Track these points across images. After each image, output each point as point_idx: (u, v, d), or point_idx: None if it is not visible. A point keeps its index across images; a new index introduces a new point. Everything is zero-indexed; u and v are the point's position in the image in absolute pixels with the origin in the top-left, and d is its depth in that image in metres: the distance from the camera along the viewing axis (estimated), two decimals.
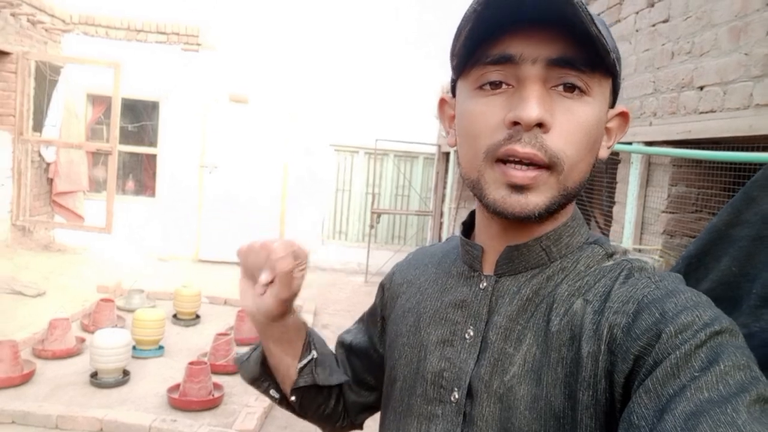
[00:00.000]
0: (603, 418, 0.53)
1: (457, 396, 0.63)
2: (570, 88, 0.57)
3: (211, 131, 7.91)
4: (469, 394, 0.62)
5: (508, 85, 0.58)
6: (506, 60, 0.57)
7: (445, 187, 7.64)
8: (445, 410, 0.63)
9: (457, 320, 0.66)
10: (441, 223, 7.64)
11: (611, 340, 0.54)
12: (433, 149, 8.10)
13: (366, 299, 7.04)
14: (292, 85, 7.94)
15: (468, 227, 0.73)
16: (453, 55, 0.62)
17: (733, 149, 1.86)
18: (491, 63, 0.58)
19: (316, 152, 8.13)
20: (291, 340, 0.79)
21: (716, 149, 1.93)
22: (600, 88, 0.59)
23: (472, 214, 0.72)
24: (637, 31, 2.54)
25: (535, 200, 0.58)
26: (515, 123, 0.56)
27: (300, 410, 0.84)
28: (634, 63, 2.54)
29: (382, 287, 0.84)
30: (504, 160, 0.57)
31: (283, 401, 0.84)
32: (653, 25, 2.37)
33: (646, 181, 2.29)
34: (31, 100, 6.72)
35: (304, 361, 0.79)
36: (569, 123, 0.57)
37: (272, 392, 0.84)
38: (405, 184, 8.42)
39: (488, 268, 0.66)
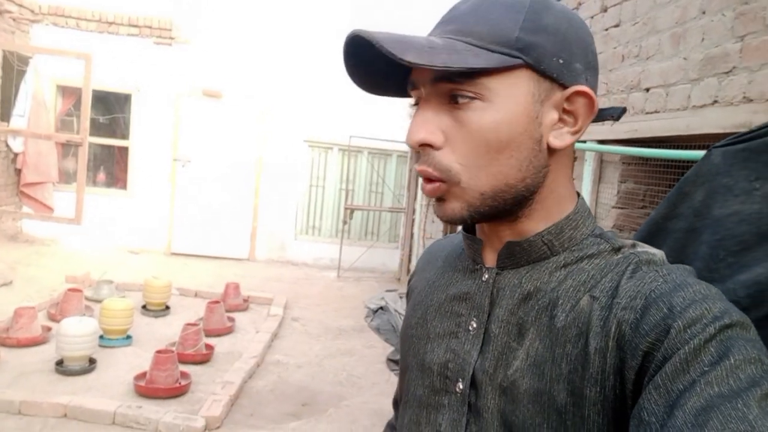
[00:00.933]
0: (611, 414, 0.53)
1: (461, 387, 0.64)
2: (458, 98, 0.59)
3: (184, 125, 7.88)
4: (473, 385, 0.63)
5: None
6: (413, 85, 0.62)
7: (417, 185, 7.75)
8: (451, 400, 0.65)
9: (461, 312, 0.67)
10: (413, 220, 7.76)
11: (620, 337, 0.54)
12: (407, 147, 8.20)
13: (338, 294, 7.12)
14: (265, 80, 7.96)
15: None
16: (372, 92, 0.69)
17: (675, 148, 1.99)
18: (411, 88, 0.64)
19: (289, 147, 8.17)
20: None
21: (661, 148, 2.05)
22: (494, 88, 0.58)
23: None
24: (594, 33, 2.67)
25: (452, 207, 0.61)
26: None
27: None
28: None
29: (408, 290, 0.87)
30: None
31: None
32: (606, 29, 2.50)
33: (599, 178, 2.42)
34: None
35: None
36: (461, 134, 0.59)
37: None
38: (378, 181, 8.51)
39: (490, 261, 0.67)
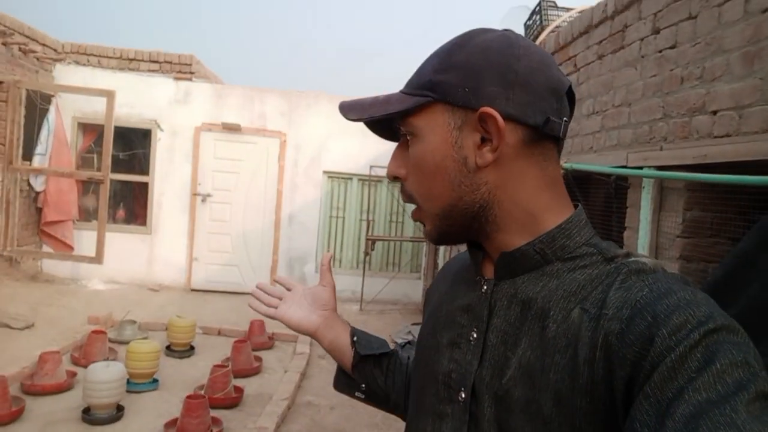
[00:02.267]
0: (602, 425, 0.54)
1: (463, 396, 0.65)
2: (406, 136, 0.70)
3: (203, 159, 7.86)
4: (474, 394, 0.64)
5: None
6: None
7: None
8: (454, 409, 0.66)
9: (463, 323, 0.69)
10: (436, 249, 7.61)
11: (607, 347, 0.54)
12: None
13: (362, 327, 6.91)
14: (283, 112, 7.95)
15: None
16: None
17: (749, 173, 1.85)
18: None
19: (309, 179, 8.10)
20: (341, 339, 0.98)
21: (732, 173, 1.92)
22: (418, 124, 0.67)
23: None
24: (642, 57, 2.56)
25: (428, 229, 0.71)
26: None
27: (372, 401, 1.00)
28: (641, 89, 2.55)
29: (425, 299, 0.92)
30: None
31: (356, 390, 1.00)
32: (660, 51, 2.39)
33: (659, 206, 2.28)
34: (21, 129, 6.64)
35: (350, 342, 0.97)
36: (410, 166, 0.69)
37: (357, 393, 1.00)
38: (399, 211, 8.40)
39: (490, 272, 0.70)
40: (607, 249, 0.64)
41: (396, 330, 6.52)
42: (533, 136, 0.64)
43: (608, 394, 0.53)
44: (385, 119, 0.71)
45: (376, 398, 1.00)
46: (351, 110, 0.72)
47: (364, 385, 0.97)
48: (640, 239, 2.31)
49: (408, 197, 0.71)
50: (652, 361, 0.49)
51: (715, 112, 2.00)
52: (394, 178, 0.72)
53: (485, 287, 0.68)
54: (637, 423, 0.48)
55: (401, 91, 0.71)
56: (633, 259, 0.61)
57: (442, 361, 0.70)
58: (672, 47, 2.29)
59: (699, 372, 0.46)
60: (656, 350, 0.49)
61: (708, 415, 0.43)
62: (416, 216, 0.72)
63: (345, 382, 1.01)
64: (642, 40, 2.53)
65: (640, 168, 2.37)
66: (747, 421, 0.43)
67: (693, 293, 0.53)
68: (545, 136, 0.65)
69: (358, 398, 1.00)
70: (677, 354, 0.48)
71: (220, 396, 4.06)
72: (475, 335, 0.66)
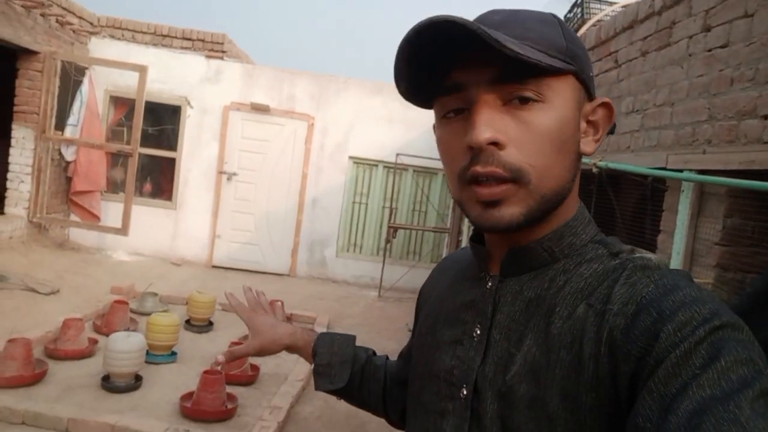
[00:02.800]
0: (607, 420, 0.53)
1: (465, 392, 0.64)
2: (523, 99, 0.59)
3: (231, 138, 7.89)
4: (476, 391, 0.63)
5: (467, 109, 0.61)
6: (457, 88, 0.61)
7: None
8: (455, 406, 0.65)
9: (466, 320, 0.68)
10: (459, 241, 7.55)
11: (612, 343, 0.53)
12: None
13: (380, 315, 6.94)
14: (313, 95, 7.93)
15: (480, 233, 0.75)
16: (408, 99, 0.68)
17: None
18: (446, 94, 0.63)
19: (335, 164, 8.09)
20: (307, 357, 0.99)
21: (759, 180, 1.84)
22: (555, 91, 0.60)
23: None
24: (690, 55, 2.46)
25: (510, 212, 0.60)
26: (471, 147, 0.60)
27: (348, 402, 1.01)
28: (686, 88, 2.46)
29: (418, 295, 0.89)
30: (474, 181, 0.61)
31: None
32: (709, 50, 2.30)
33: (698, 211, 2.21)
34: (55, 99, 6.74)
35: (313, 371, 0.97)
36: (526, 134, 0.59)
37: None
38: (423, 200, 8.35)
39: (495, 269, 0.68)
40: (612, 245, 0.64)
41: (413, 318, 6.51)
42: None
43: (613, 389, 0.53)
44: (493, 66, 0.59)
45: (353, 403, 1.01)
46: (505, 39, 0.55)
47: (338, 396, 0.99)
48: (676, 244, 2.24)
49: (510, 169, 0.59)
50: (657, 357, 0.49)
51: (766, 117, 1.92)
52: (490, 143, 0.59)
53: (490, 284, 0.67)
54: (639, 417, 0.47)
55: (528, 45, 0.58)
56: (638, 255, 0.61)
57: (443, 358, 0.69)
58: (723, 46, 2.20)
59: (703, 368, 0.46)
60: (661, 346, 0.49)
61: (712, 411, 0.43)
62: (504, 194, 0.60)
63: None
64: (690, 38, 2.44)
65: (680, 171, 2.29)
66: (751, 418, 0.42)
67: (698, 290, 0.53)
68: None
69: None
70: (682, 350, 0.48)
71: (237, 373, 4.10)
72: (478, 332, 0.66)
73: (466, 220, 7.19)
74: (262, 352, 0.98)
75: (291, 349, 0.99)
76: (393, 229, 7.67)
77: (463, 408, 0.65)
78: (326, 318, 6.07)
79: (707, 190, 2.19)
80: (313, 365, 0.97)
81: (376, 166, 8.26)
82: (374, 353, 1.04)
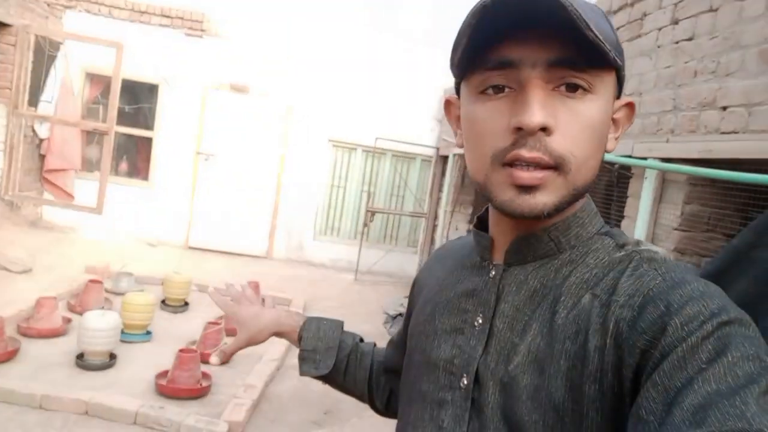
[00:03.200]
0: (610, 412, 0.53)
1: (465, 382, 0.64)
2: (572, 87, 0.57)
3: (209, 118, 7.83)
4: (477, 381, 0.63)
5: (510, 88, 0.59)
6: (507, 65, 0.57)
7: (441, 190, 7.65)
8: (455, 396, 0.65)
9: (467, 309, 0.67)
10: (435, 226, 7.64)
11: (617, 334, 0.53)
12: (431, 152, 8.09)
13: (356, 297, 7.01)
14: (293, 77, 7.89)
15: (483, 220, 0.74)
16: (453, 65, 0.63)
17: (752, 171, 1.87)
18: (492, 68, 0.59)
19: (313, 146, 8.09)
20: (294, 342, 1.01)
21: (732, 170, 1.93)
22: (603, 84, 0.59)
23: (488, 208, 0.73)
24: (658, 47, 2.54)
25: (544, 200, 0.59)
26: (519, 129, 0.57)
27: (331, 386, 1.03)
28: (653, 79, 2.55)
29: (413, 284, 0.88)
30: (510, 164, 0.59)
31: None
32: (676, 43, 2.38)
33: (660, 198, 2.30)
34: (29, 75, 6.59)
35: (299, 357, 0.99)
36: (573, 124, 0.58)
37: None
38: (401, 185, 8.41)
39: (498, 257, 0.68)
40: (618, 236, 0.64)
41: (388, 301, 6.60)
42: None
43: (616, 381, 0.53)
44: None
45: (338, 388, 1.02)
46: (589, 21, 0.53)
47: (323, 381, 1.01)
48: (638, 229, 2.33)
49: (553, 156, 0.58)
50: (663, 350, 0.49)
51: (725, 108, 2.00)
52: (541, 129, 0.57)
53: (493, 272, 0.67)
54: (643, 410, 0.47)
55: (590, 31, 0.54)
56: (644, 247, 0.61)
57: (442, 347, 0.68)
58: (689, 39, 2.28)
59: (710, 363, 0.46)
60: (668, 339, 0.49)
61: (717, 406, 0.43)
62: (544, 180, 0.58)
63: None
64: (660, 29, 2.51)
65: (645, 159, 2.38)
66: (756, 414, 0.42)
67: (706, 284, 0.53)
68: None
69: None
70: (689, 344, 0.48)
71: (212, 351, 4.13)
72: (480, 321, 0.65)
73: (442, 205, 7.28)
74: (251, 343, 0.99)
75: (278, 335, 1.00)
76: (371, 213, 7.72)
77: (462, 398, 0.64)
78: (302, 300, 6.11)
79: (669, 178, 2.28)
80: (299, 351, 0.97)
81: (355, 149, 8.28)
82: (361, 340, 1.04)
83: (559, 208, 0.60)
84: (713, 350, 0.47)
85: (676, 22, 2.40)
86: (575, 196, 0.60)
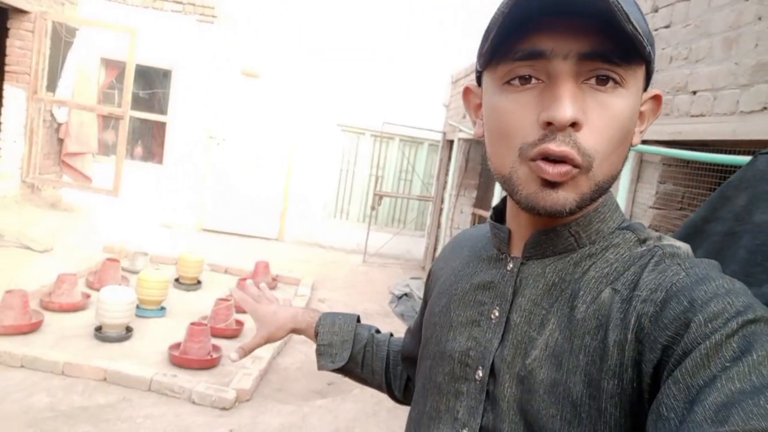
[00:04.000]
0: (628, 408, 0.53)
1: (480, 374, 0.64)
2: (603, 80, 0.55)
3: (221, 103, 8.01)
4: (492, 373, 0.63)
5: (537, 80, 0.57)
6: (537, 55, 0.55)
7: (447, 174, 7.78)
8: (470, 388, 0.65)
9: (484, 301, 0.67)
10: (441, 209, 7.78)
11: (639, 330, 0.53)
12: (438, 136, 8.21)
13: (364, 278, 7.21)
14: (303, 63, 8.02)
15: (500, 211, 0.73)
16: (481, 54, 0.60)
17: (719, 152, 1.99)
18: (521, 59, 0.56)
19: (323, 131, 8.24)
20: (311, 338, 1.03)
21: (704, 151, 2.06)
22: (634, 78, 0.57)
23: (504, 199, 0.72)
24: None
25: (567, 196, 0.57)
26: (549, 123, 0.55)
27: (350, 378, 1.05)
28: None
29: (428, 274, 0.88)
30: (536, 158, 0.57)
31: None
32: (656, 30, 2.49)
33: (637, 177, 2.43)
34: (47, 60, 6.81)
35: (316, 351, 1.02)
36: (603, 119, 0.56)
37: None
38: (408, 169, 8.55)
39: (516, 251, 0.67)
40: (640, 230, 0.62)
41: (395, 283, 6.78)
42: None
43: (636, 377, 0.52)
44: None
45: (356, 380, 1.04)
46: (629, 14, 0.51)
47: (342, 374, 1.03)
48: None
49: (582, 153, 0.56)
50: (685, 347, 0.48)
51: (694, 92, 2.12)
52: (571, 124, 0.55)
53: (511, 265, 0.66)
54: (663, 407, 0.47)
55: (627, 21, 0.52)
56: (666, 242, 0.60)
57: (458, 339, 0.68)
58: (667, 27, 2.39)
59: (734, 361, 0.45)
60: (691, 336, 0.48)
61: (741, 405, 0.42)
62: (570, 175, 0.56)
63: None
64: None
65: None
66: None
67: (731, 281, 0.52)
68: None
69: None
70: (713, 342, 0.47)
71: (222, 326, 4.35)
72: (497, 313, 0.65)
73: (449, 189, 7.41)
74: (270, 340, 1.02)
75: (295, 331, 1.02)
76: (378, 197, 7.88)
77: (477, 390, 0.64)
78: (311, 280, 6.32)
79: (645, 159, 2.41)
80: (315, 346, 1.01)
81: (363, 134, 8.42)
82: (377, 331, 1.05)
83: (581, 206, 0.58)
84: (738, 348, 0.46)
85: (656, 9, 2.50)
86: (598, 193, 0.58)
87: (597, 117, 0.56)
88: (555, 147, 0.55)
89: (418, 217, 8.70)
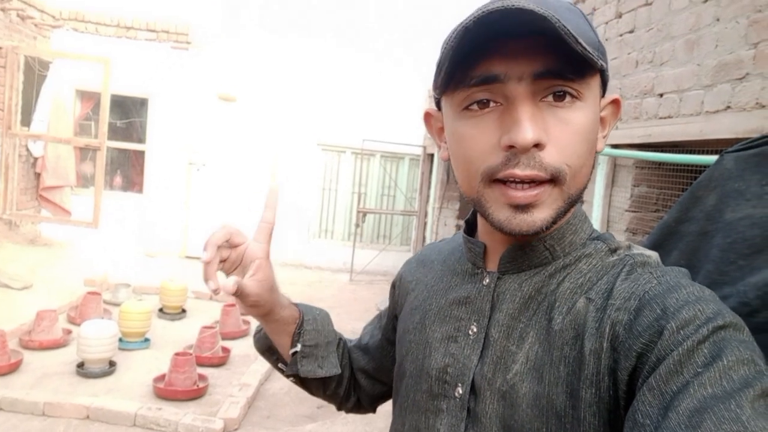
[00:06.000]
0: (606, 416, 0.53)
1: (460, 392, 0.63)
2: (560, 96, 0.56)
3: (199, 129, 7.98)
4: (473, 390, 0.62)
5: (496, 103, 0.57)
6: (492, 80, 0.56)
7: (429, 188, 7.79)
8: (450, 405, 0.64)
9: (461, 317, 0.67)
10: (425, 223, 7.78)
11: (614, 338, 0.54)
12: (419, 150, 8.23)
13: (351, 297, 7.16)
14: (279, 85, 8.04)
15: (471, 224, 0.73)
16: (436, 86, 0.61)
17: (689, 152, 2.00)
18: (476, 84, 0.57)
19: (303, 151, 8.23)
20: (283, 332, 0.83)
21: (674, 152, 2.07)
22: (590, 89, 0.58)
23: (474, 212, 0.72)
24: (606, 40, 2.68)
25: (541, 216, 0.58)
26: (511, 146, 0.55)
27: (303, 387, 0.88)
28: None
29: (393, 286, 0.86)
30: (503, 180, 0.57)
31: (289, 375, 0.87)
32: (620, 35, 2.52)
33: (612, 182, 2.44)
34: (20, 95, 6.75)
35: (291, 352, 0.83)
36: (565, 134, 0.56)
37: (280, 365, 0.89)
38: (391, 185, 8.55)
39: (491, 265, 0.67)
40: (610, 240, 0.64)
41: (382, 299, 6.74)
42: None
43: (613, 384, 0.53)
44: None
45: (307, 388, 0.88)
46: (578, 36, 0.52)
47: (292, 377, 0.86)
48: (594, 213, 2.47)
49: (549, 171, 0.56)
50: (659, 354, 0.49)
51: (661, 95, 2.14)
52: (534, 145, 0.55)
53: (487, 280, 0.66)
54: (639, 414, 0.47)
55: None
56: (637, 251, 0.61)
57: (434, 356, 0.67)
58: (631, 32, 2.42)
59: (706, 367, 0.46)
60: (664, 343, 0.49)
61: (713, 410, 0.43)
62: (541, 196, 0.57)
63: (268, 352, 0.89)
64: (607, 23, 2.66)
65: None
66: (752, 418, 0.42)
67: (701, 289, 0.53)
68: None
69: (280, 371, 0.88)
70: (685, 348, 0.48)
71: (208, 355, 4.27)
72: (474, 329, 0.64)
73: (431, 203, 7.42)
74: (261, 293, 0.76)
75: (269, 314, 0.80)
76: (362, 214, 7.86)
77: (458, 407, 0.63)
78: (297, 301, 6.24)
79: (619, 163, 2.42)
80: (298, 346, 0.83)
81: (344, 152, 8.43)
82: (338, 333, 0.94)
83: (555, 221, 0.59)
84: (709, 354, 0.47)
85: (619, 15, 2.54)
86: (571, 205, 0.60)
87: (559, 133, 0.56)
88: (520, 171, 0.56)
89: (403, 232, 8.69)
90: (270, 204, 0.82)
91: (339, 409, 0.94)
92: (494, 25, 0.52)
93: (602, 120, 0.63)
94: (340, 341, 0.91)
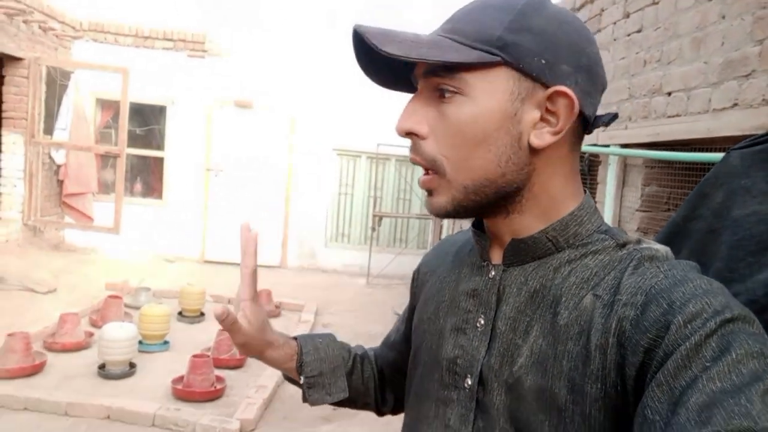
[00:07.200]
0: (612, 411, 0.53)
1: (470, 383, 0.65)
2: (443, 92, 0.61)
3: (216, 135, 8.10)
4: (481, 382, 0.63)
5: None
6: (415, 81, 0.65)
7: None
8: (460, 395, 0.66)
9: (469, 309, 0.68)
10: (441, 226, 7.79)
11: (620, 333, 0.54)
12: None
13: (368, 300, 7.18)
14: (295, 90, 8.12)
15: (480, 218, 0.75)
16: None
17: (698, 150, 2.00)
18: (415, 84, 0.66)
19: (319, 156, 8.30)
20: (285, 369, 0.85)
21: (682, 151, 2.07)
22: (471, 84, 0.59)
23: None
24: (614, 40, 2.69)
25: (438, 201, 0.63)
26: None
27: (333, 405, 0.90)
28: (612, 70, 2.69)
29: (413, 278, 0.88)
30: None
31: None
32: (628, 35, 2.53)
33: (623, 182, 2.44)
34: (43, 104, 6.93)
35: (300, 383, 0.85)
36: (441, 126, 0.61)
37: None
38: (406, 188, 8.58)
39: (497, 257, 0.68)
40: (618, 235, 0.63)
41: (399, 303, 6.75)
42: (582, 126, 0.63)
43: (619, 380, 0.53)
44: (404, 63, 0.62)
45: (339, 405, 0.91)
46: (387, 42, 0.59)
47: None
48: (605, 213, 2.48)
49: (426, 160, 0.63)
50: (666, 349, 0.49)
51: (669, 94, 2.14)
52: (407, 134, 0.63)
53: (493, 272, 0.66)
54: (648, 410, 0.47)
55: (452, 39, 0.61)
56: (645, 245, 0.61)
57: (446, 346, 0.69)
58: (638, 31, 2.43)
59: (714, 361, 0.46)
60: (671, 338, 0.49)
61: (722, 404, 0.43)
62: (430, 184, 0.64)
63: (289, 380, 0.89)
64: (615, 23, 2.66)
65: (607, 146, 2.52)
66: (762, 412, 0.42)
67: (709, 282, 0.53)
68: (585, 129, 0.64)
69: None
70: (693, 342, 0.47)
71: (225, 357, 4.34)
72: (482, 321, 0.65)
73: None
74: (247, 339, 0.77)
75: (262, 355, 0.81)
76: (378, 218, 7.90)
77: (467, 398, 0.65)
78: (314, 305, 6.30)
79: (629, 162, 2.42)
80: (302, 379, 0.83)
81: (359, 156, 8.48)
82: (349, 348, 0.94)
83: (459, 208, 0.62)
84: (717, 348, 0.47)
85: (627, 15, 2.54)
86: (475, 195, 0.61)
87: (437, 126, 0.61)
88: (411, 155, 0.64)
89: (419, 235, 8.70)
90: (249, 251, 0.82)
91: (379, 415, 0.96)
92: (365, 54, 0.63)
93: (554, 113, 0.60)
94: (355, 359, 0.91)
